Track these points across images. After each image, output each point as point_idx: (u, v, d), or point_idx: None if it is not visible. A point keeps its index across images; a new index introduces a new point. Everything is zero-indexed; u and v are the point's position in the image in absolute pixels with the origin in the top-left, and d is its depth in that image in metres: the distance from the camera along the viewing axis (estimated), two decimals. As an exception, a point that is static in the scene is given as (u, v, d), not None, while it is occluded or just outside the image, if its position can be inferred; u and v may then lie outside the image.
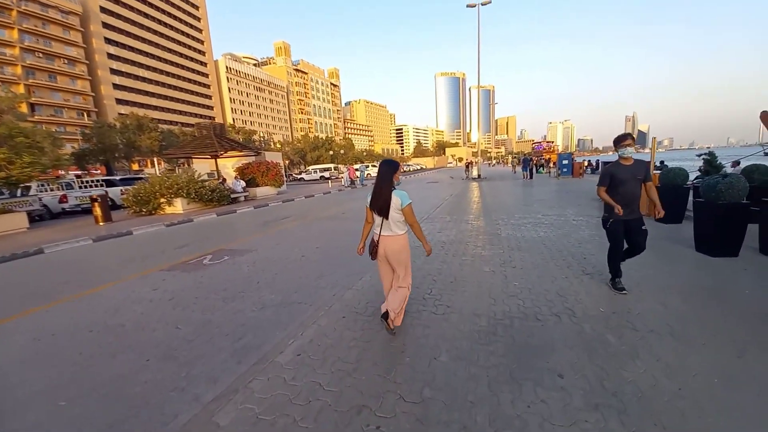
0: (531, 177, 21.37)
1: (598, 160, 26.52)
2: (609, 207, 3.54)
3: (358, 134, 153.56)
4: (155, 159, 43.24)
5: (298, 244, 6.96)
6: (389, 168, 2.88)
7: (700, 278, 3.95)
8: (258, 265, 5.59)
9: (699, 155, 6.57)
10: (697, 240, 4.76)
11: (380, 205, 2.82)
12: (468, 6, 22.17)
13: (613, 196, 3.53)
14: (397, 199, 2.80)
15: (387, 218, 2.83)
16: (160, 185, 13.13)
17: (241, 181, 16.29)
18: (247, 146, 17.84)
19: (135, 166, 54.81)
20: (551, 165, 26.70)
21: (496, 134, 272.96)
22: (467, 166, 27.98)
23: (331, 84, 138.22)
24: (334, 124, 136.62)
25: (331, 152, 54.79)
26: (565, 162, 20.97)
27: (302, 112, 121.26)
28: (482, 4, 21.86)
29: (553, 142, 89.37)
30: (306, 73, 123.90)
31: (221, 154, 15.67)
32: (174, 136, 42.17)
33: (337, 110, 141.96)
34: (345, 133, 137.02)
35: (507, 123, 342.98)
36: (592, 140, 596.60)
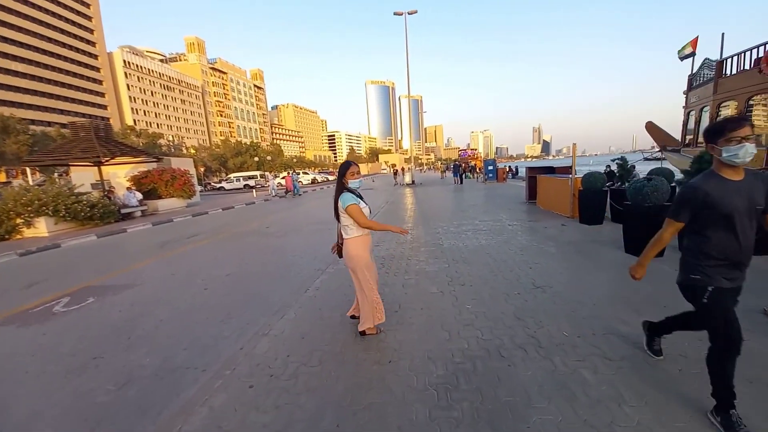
0: (461, 182, 22.27)
1: (516, 166, 29.15)
2: (701, 261, 1.84)
3: (287, 140, 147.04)
4: (27, 168, 34.70)
5: (201, 272, 5.54)
6: (340, 169, 2.83)
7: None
8: (137, 309, 4.13)
9: (613, 160, 7.10)
10: (627, 242, 4.83)
11: (334, 207, 2.84)
12: (395, 14, 22.36)
13: (703, 243, 1.83)
14: (340, 202, 2.72)
15: (338, 221, 2.84)
16: (14, 201, 10.02)
17: (136, 192, 13.50)
18: (144, 151, 14.88)
19: (2, 177, 43.46)
20: (478, 171, 28.43)
21: (426, 142, 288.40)
22: (395, 174, 28.16)
23: (255, 86, 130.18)
24: (260, 128, 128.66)
25: (256, 158, 50.66)
26: (490, 168, 22.37)
27: (222, 115, 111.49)
28: (408, 14, 22.24)
29: (476, 149, 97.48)
30: (225, 73, 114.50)
31: (106, 161, 12.73)
32: (50, 139, 34.38)
33: (263, 114, 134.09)
34: (273, 139, 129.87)
35: (435, 131, 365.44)
36: (507, 148, 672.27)
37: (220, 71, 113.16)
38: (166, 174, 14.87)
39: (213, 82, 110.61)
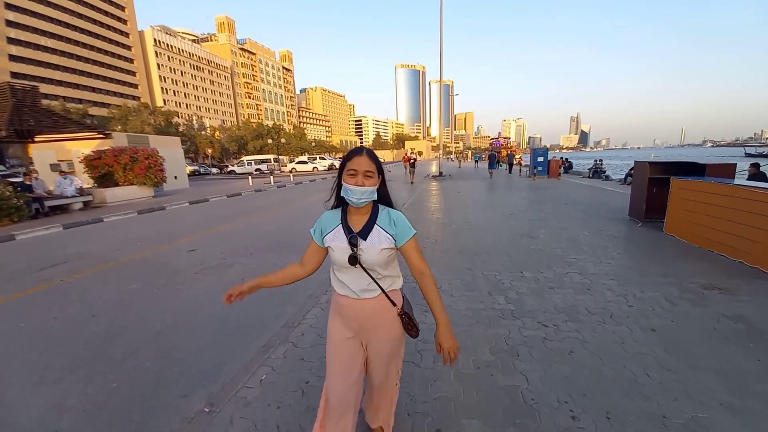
0: (491, 176, 18.00)
1: (568, 158, 23.82)
2: None
3: (314, 124, 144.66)
4: None
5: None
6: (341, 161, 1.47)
7: None
8: None
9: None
10: None
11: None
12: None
13: None
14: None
15: None
16: None
17: (74, 179, 10.31)
18: (81, 122, 11.53)
19: None
20: (520, 162, 23.46)
21: (455, 129, 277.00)
22: (409, 163, 17.96)
23: (284, 68, 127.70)
24: (287, 111, 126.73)
25: (283, 140, 47.52)
26: (540, 159, 17.49)
27: (250, 97, 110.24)
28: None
29: (509, 138, 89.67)
30: (254, 54, 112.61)
31: (32, 137, 9.54)
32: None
33: (291, 97, 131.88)
34: (300, 122, 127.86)
35: (465, 118, 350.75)
36: (540, 138, 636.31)
37: (249, 52, 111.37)
38: (124, 155, 11.61)
39: (242, 63, 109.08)
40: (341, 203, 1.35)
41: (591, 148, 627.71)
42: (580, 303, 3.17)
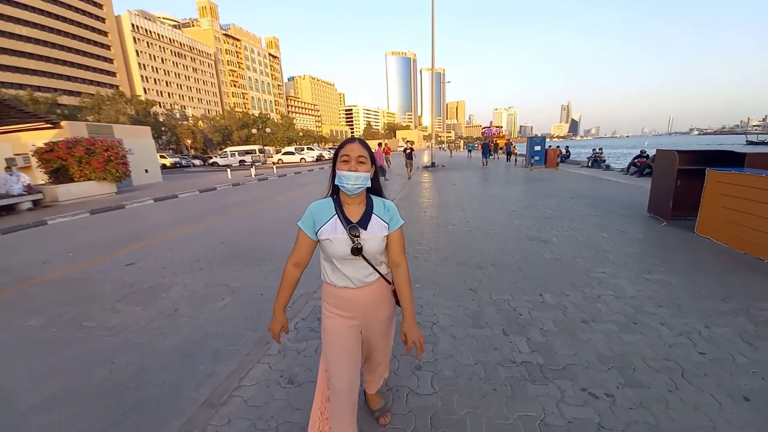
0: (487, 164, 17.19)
1: (567, 146, 23.01)
2: None
3: (303, 113, 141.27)
4: None
5: None
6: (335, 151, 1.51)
7: None
8: None
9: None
10: None
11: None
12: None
13: None
14: None
15: None
16: None
17: (22, 175, 9.03)
18: (22, 110, 10.07)
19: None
20: (513, 152, 22.58)
21: (447, 118, 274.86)
22: (405, 155, 14.84)
23: (270, 55, 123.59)
24: (275, 100, 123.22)
25: (254, 131, 45.54)
26: (537, 148, 16.59)
27: (235, 85, 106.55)
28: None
29: (501, 127, 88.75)
30: (239, 40, 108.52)
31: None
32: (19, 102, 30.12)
33: (278, 85, 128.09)
34: (288, 111, 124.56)
35: (457, 107, 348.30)
36: (532, 127, 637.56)
37: (233, 38, 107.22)
38: (79, 147, 10.29)
39: (226, 49, 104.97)
40: (334, 192, 1.33)
41: (581, 136, 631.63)
42: (632, 349, 2.28)
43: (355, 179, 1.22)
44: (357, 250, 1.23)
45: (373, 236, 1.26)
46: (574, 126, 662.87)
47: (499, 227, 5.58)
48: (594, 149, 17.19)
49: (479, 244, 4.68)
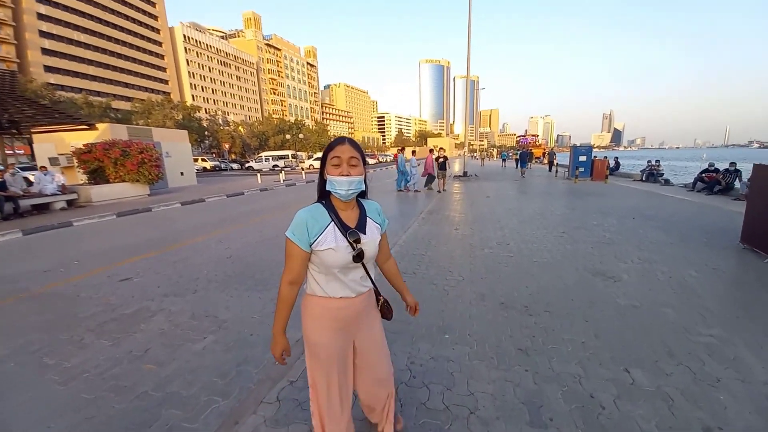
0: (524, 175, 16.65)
1: (616, 157, 20.96)
2: None
3: (337, 120, 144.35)
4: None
5: None
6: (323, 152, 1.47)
7: None
8: None
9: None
10: None
11: None
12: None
13: None
14: None
15: None
16: None
17: (57, 175, 9.31)
18: (61, 111, 10.38)
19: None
20: (555, 162, 20.93)
21: (480, 126, 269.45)
22: (437, 164, 12.27)
23: (308, 64, 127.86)
24: (311, 107, 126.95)
25: (288, 136, 46.63)
26: (582, 159, 15.06)
27: (275, 93, 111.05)
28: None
29: (537, 135, 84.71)
30: (279, 50, 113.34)
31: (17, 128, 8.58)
32: (75, 105, 32.69)
33: (315, 93, 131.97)
34: (323, 118, 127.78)
35: (490, 115, 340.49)
36: (570, 136, 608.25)
37: (275, 48, 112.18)
38: (115, 149, 10.54)
39: (267, 59, 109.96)
40: (322, 197, 1.26)
41: (625, 147, 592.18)
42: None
43: (348, 185, 1.16)
44: (359, 257, 1.19)
45: (372, 240, 1.25)
46: (617, 136, 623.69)
47: (548, 253, 4.62)
48: (649, 161, 15.33)
49: (525, 277, 3.79)
